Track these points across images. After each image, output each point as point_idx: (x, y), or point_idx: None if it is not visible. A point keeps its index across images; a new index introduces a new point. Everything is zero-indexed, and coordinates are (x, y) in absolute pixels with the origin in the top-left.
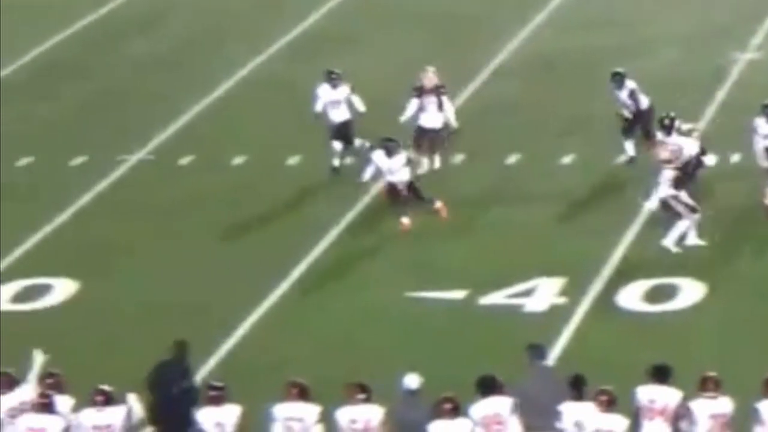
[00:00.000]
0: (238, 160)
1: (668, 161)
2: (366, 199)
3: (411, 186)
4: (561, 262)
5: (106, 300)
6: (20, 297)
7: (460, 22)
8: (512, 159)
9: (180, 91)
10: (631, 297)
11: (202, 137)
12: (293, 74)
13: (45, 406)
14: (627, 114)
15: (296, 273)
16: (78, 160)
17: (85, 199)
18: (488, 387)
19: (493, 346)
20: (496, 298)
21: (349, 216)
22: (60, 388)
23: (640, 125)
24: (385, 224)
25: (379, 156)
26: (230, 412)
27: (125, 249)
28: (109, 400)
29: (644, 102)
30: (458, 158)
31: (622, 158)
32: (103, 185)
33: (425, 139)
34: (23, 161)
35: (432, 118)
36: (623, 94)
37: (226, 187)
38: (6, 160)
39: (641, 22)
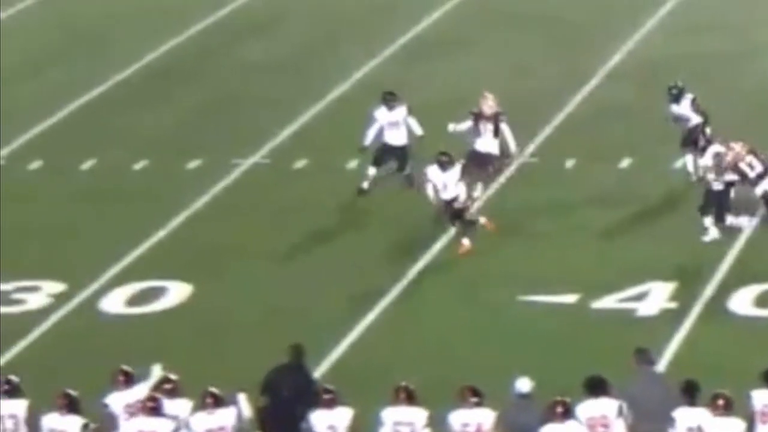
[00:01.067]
0: (352, 164)
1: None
2: (479, 203)
3: (454, 206)
4: (673, 267)
5: (220, 303)
6: (135, 300)
7: (573, 26)
8: (625, 163)
9: (295, 94)
10: (743, 302)
11: (316, 141)
12: (407, 77)
13: (153, 409)
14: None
15: (408, 276)
16: (193, 164)
17: (201, 202)
18: (596, 388)
19: (604, 350)
20: (609, 302)
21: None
22: (177, 393)
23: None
24: (498, 226)
25: (433, 171)
26: (342, 415)
27: (239, 252)
28: (218, 402)
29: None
30: (570, 162)
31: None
32: (218, 188)
33: (475, 164)
34: (139, 165)
35: (487, 144)
36: (682, 108)
37: (340, 191)
38: (123, 163)
39: (753, 27)
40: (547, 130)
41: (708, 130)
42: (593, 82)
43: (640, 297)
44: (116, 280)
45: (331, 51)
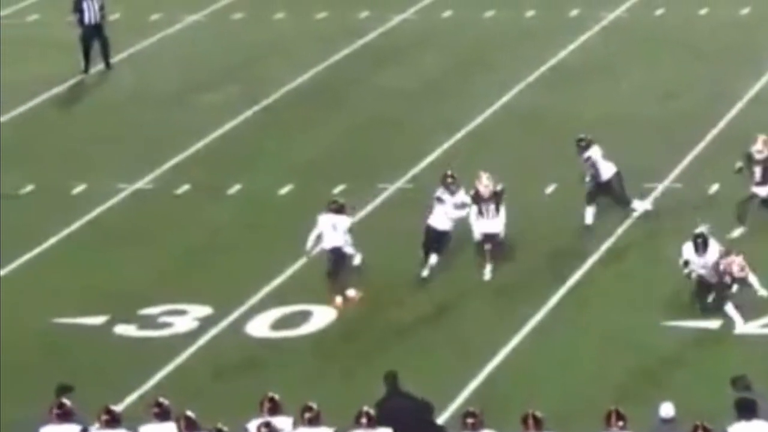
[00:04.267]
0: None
1: None
2: (626, 226)
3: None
4: None
5: (360, 327)
6: (280, 324)
7: (717, 50)
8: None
9: (435, 121)
10: None
11: (457, 167)
12: (551, 104)
13: None
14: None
15: (552, 301)
16: (338, 188)
17: None
18: (748, 410)
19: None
20: (751, 327)
21: (609, 242)
22: (317, 421)
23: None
24: (643, 251)
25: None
26: None
27: (383, 275)
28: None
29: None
30: (714, 187)
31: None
32: (363, 213)
33: (484, 245)
34: (285, 189)
35: (491, 224)
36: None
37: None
38: (269, 188)
39: None
40: (692, 155)
41: None
42: (738, 106)
43: None
44: (262, 304)
45: (472, 78)
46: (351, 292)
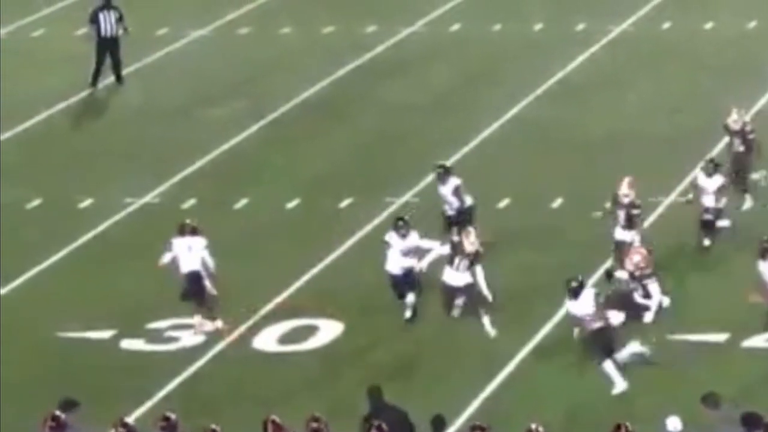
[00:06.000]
0: (503, 203)
1: None
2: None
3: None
4: None
5: (370, 341)
6: (287, 338)
7: (720, 65)
8: None
9: (442, 135)
10: None
11: (463, 180)
12: (558, 117)
13: None
14: (449, 211)
15: (558, 314)
16: (346, 202)
17: (353, 240)
18: (753, 425)
19: (756, 389)
20: (758, 341)
21: (611, 259)
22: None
23: None
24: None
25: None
26: None
27: (388, 291)
28: None
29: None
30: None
31: None
32: (369, 227)
33: (455, 301)
34: (292, 203)
35: (456, 277)
36: (446, 190)
37: (489, 228)
38: (276, 202)
39: None
40: (698, 169)
41: None
42: (745, 119)
43: None
44: (269, 318)
45: (479, 91)
46: (219, 323)
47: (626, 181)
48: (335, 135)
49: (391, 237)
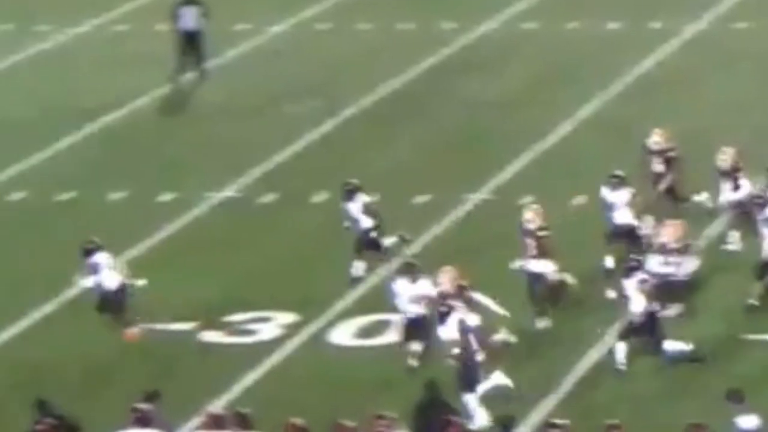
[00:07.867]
0: (578, 200)
1: None
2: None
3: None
4: None
5: None
6: (363, 333)
7: None
8: None
9: (517, 132)
10: None
11: (538, 178)
12: (632, 115)
13: None
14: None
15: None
16: (421, 198)
17: (429, 236)
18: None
19: None
20: None
21: None
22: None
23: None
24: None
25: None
26: None
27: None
28: None
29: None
30: None
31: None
32: (446, 223)
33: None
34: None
35: (446, 330)
36: (354, 208)
37: (561, 226)
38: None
39: None
40: None
41: None
42: None
43: None
44: (346, 312)
45: (554, 89)
46: (135, 330)
47: (532, 208)
48: (412, 131)
49: (399, 283)
